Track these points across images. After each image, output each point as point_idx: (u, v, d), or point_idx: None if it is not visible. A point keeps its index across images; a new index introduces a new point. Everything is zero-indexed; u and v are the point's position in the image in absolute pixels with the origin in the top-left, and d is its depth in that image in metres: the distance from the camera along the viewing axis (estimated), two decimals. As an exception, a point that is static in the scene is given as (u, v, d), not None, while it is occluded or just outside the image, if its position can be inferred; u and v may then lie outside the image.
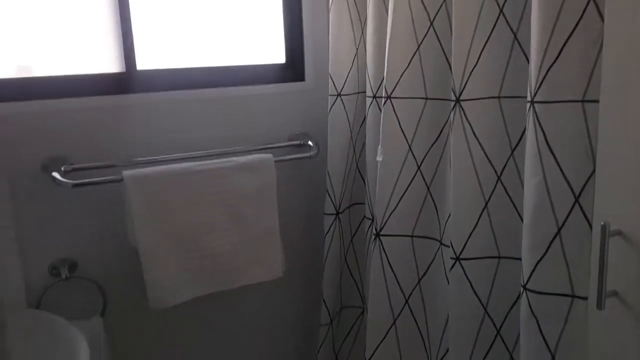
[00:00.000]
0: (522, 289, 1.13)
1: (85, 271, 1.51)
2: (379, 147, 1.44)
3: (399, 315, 1.54)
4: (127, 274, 1.51)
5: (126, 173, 1.42)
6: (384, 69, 1.42)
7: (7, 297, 1.40)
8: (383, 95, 1.41)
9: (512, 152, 1.25)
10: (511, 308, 1.32)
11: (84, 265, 1.51)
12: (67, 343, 1.26)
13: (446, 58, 1.33)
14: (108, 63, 1.51)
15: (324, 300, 1.74)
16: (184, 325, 1.68)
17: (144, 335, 1.63)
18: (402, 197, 1.45)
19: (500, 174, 1.26)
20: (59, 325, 1.34)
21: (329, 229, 1.70)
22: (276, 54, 1.76)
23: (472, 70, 1.20)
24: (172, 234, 1.48)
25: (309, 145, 1.71)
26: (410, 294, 1.53)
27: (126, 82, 1.51)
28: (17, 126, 1.38)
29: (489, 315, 1.35)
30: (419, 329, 1.54)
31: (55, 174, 1.38)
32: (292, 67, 1.75)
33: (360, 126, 1.68)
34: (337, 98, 1.64)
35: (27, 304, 1.44)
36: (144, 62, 1.53)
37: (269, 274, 1.64)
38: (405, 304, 1.53)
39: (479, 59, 1.20)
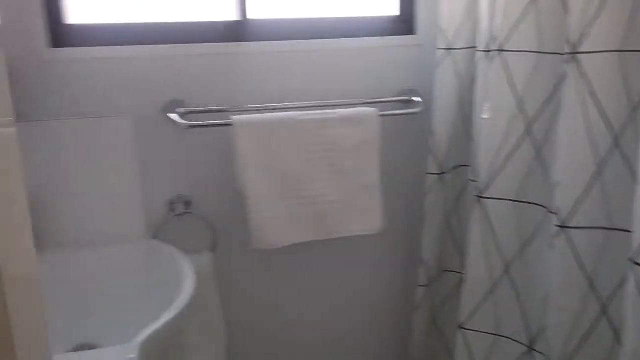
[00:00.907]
0: (630, 262, 1.03)
1: (199, 209, 1.63)
2: (486, 104, 1.37)
3: (497, 282, 1.49)
4: (236, 213, 1.60)
5: (235, 118, 1.49)
6: (496, 20, 1.33)
7: (131, 227, 1.56)
8: (494, 49, 1.33)
9: (633, 113, 1.12)
10: (620, 285, 1.21)
11: (198, 203, 1.63)
12: (178, 271, 1.38)
13: (564, 8, 1.22)
14: (223, 11, 1.58)
15: (423, 262, 1.73)
16: (285, 269, 1.76)
17: (248, 273, 1.73)
18: (508, 158, 1.37)
19: (618, 138, 1.14)
20: (172, 255, 1.46)
21: (431, 190, 1.67)
22: (389, 6, 1.72)
23: (592, 20, 1.09)
24: (275, 179, 1.54)
25: (416, 101, 1.67)
26: (512, 262, 1.46)
27: (239, 30, 1.57)
28: (144, 68, 1.51)
29: (594, 291, 1.25)
30: (518, 299, 1.47)
31: (173, 116, 1.49)
32: (404, 20, 1.70)
33: (470, 84, 1.60)
34: (446, 53, 1.57)
35: (147, 235, 1.59)
36: (255, 12, 1.58)
37: (368, 229, 1.65)
38: (505, 272, 1.47)
39: (600, 8, 1.08)
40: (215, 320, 1.63)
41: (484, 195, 1.42)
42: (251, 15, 1.58)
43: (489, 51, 1.39)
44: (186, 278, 1.32)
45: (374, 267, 1.85)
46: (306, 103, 1.59)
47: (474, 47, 1.53)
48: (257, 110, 1.56)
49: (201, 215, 1.62)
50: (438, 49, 1.58)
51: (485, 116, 1.37)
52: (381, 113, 1.59)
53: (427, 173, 1.67)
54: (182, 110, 1.51)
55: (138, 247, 1.54)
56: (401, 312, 1.90)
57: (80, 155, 1.49)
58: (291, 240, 1.59)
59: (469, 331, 1.52)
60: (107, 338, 1.33)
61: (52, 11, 1.45)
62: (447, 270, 1.79)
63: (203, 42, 1.54)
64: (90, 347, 1.36)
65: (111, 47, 1.49)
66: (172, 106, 1.52)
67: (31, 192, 1.45)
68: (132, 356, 1.01)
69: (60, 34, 1.47)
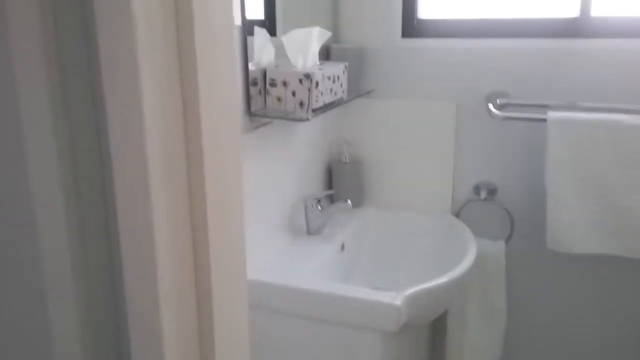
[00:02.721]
0: None
1: (502, 198, 1.69)
2: None
3: None
4: (537, 209, 1.60)
5: (551, 114, 1.48)
6: None
7: (437, 201, 1.74)
8: None
9: None
10: None
11: (501, 192, 1.69)
12: (465, 247, 1.50)
13: None
14: (561, 8, 1.56)
15: None
16: (576, 275, 1.67)
17: (537, 269, 1.71)
18: None
19: None
20: (465, 233, 1.59)
21: None
22: None
23: None
24: (584, 183, 1.47)
25: None
26: None
27: (578, 26, 1.53)
28: (478, 59, 1.63)
29: None
30: None
31: (491, 106, 1.58)
32: None
33: None
34: None
35: (451, 211, 1.74)
36: (598, 8, 1.51)
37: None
38: None
39: None
40: (497, 305, 1.68)
41: None
42: (594, 11, 1.52)
43: None
44: (467, 255, 1.43)
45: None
46: (635, 106, 1.46)
47: None
48: (577, 109, 1.51)
49: (503, 205, 1.68)
50: None
51: None
52: None
53: None
54: (501, 101, 1.59)
55: (439, 220, 1.71)
56: None
57: (409, 130, 1.73)
58: (590, 249, 1.50)
59: None
60: (399, 284, 1.55)
61: (408, 8, 1.70)
62: None
63: (537, 37, 1.57)
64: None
65: (452, 38, 1.66)
66: (494, 97, 1.61)
67: (363, 156, 1.78)
68: (397, 303, 1.19)
69: (412, 27, 1.71)
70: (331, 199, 1.72)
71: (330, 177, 1.76)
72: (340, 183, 1.74)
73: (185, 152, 0.48)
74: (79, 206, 0.48)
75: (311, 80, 1.26)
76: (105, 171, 0.47)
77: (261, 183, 1.37)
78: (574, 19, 1.54)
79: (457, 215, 1.73)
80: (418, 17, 1.70)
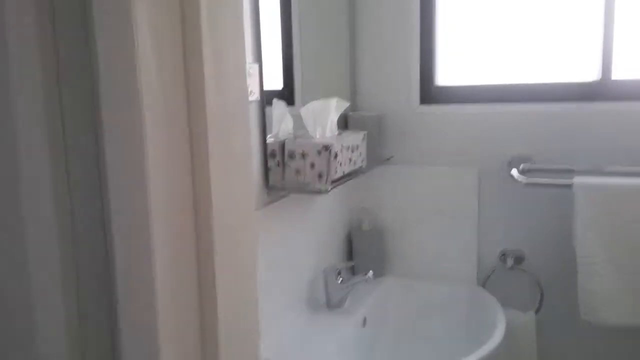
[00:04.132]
0: None
1: (530, 265, 1.62)
2: None
3: None
4: (568, 277, 1.52)
5: (577, 180, 1.44)
6: None
7: (462, 270, 1.68)
8: None
9: None
10: None
11: (530, 260, 1.62)
12: (493, 322, 1.43)
13: None
14: (581, 72, 1.54)
15: None
16: (616, 351, 1.57)
17: (571, 342, 1.61)
18: None
19: None
20: (492, 306, 1.52)
21: None
22: None
23: None
24: (615, 249, 1.41)
25: None
26: None
27: (599, 90, 1.51)
28: (497, 124, 1.61)
29: None
30: None
31: (514, 171, 1.54)
32: None
33: None
34: None
35: (477, 280, 1.68)
36: (619, 72, 1.50)
37: None
38: None
39: None
40: (530, 382, 1.58)
41: None
42: (615, 75, 1.50)
43: None
44: (496, 331, 1.36)
45: None
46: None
47: None
48: (603, 173, 1.47)
49: (531, 273, 1.61)
50: None
51: None
52: None
53: None
54: (524, 166, 1.55)
55: (464, 290, 1.64)
56: None
57: (431, 197, 1.69)
58: (626, 320, 1.42)
59: None
60: (421, 356, 1.48)
61: (425, 75, 1.70)
62: None
63: (558, 101, 1.55)
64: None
65: (470, 104, 1.65)
66: (517, 161, 1.58)
67: (384, 224, 1.74)
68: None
69: (430, 93, 1.71)
70: (352, 270, 1.67)
71: (350, 246, 1.72)
72: (361, 252, 1.69)
73: (195, 248, 0.45)
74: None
75: (330, 152, 1.25)
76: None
77: (280, 255, 1.33)
78: (595, 83, 1.52)
79: (483, 284, 1.66)
80: (436, 84, 1.70)
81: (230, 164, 0.47)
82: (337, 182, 1.30)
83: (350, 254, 1.72)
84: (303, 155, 1.27)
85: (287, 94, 1.41)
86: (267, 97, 1.23)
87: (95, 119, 0.43)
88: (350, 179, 1.39)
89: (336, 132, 1.41)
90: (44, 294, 0.44)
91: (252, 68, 1.16)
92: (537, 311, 1.61)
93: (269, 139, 1.25)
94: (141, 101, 0.41)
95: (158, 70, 0.41)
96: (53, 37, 0.42)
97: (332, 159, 1.25)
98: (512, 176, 1.55)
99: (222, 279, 0.46)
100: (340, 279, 1.48)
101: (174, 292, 0.44)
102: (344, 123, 1.64)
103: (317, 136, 1.33)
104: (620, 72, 1.50)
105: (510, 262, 1.63)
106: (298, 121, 1.34)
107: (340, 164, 1.31)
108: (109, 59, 0.41)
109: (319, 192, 1.25)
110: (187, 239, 0.45)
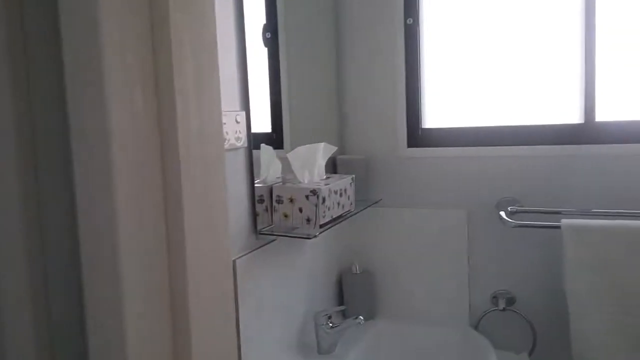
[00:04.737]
0: None
1: (521, 307, 1.61)
2: None
3: None
4: (560, 319, 1.52)
5: (565, 222, 1.45)
6: None
7: (454, 312, 1.66)
8: None
9: None
10: None
11: (521, 301, 1.62)
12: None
13: None
14: (565, 114, 1.57)
15: None
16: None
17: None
18: None
19: None
20: (485, 349, 1.50)
21: None
22: None
23: None
24: (606, 290, 1.41)
25: None
26: None
27: (583, 132, 1.54)
28: (484, 167, 1.63)
29: None
30: None
31: (502, 214, 1.55)
32: None
33: None
34: None
35: (469, 322, 1.66)
36: (603, 114, 1.53)
37: None
38: None
39: None
40: None
41: None
42: (598, 117, 1.53)
43: None
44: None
45: None
46: (650, 212, 1.43)
47: None
48: (592, 214, 1.48)
49: (523, 314, 1.60)
50: None
51: None
52: None
53: None
54: (512, 208, 1.56)
55: (456, 333, 1.62)
56: None
57: (420, 239, 1.69)
58: (620, 362, 1.40)
59: None
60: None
61: (412, 118, 1.73)
62: None
63: (543, 144, 1.57)
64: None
65: (458, 147, 1.67)
66: (505, 203, 1.59)
67: (374, 266, 1.73)
68: None
69: (417, 136, 1.73)
70: (343, 314, 1.65)
71: (341, 289, 1.71)
72: (352, 295, 1.68)
73: (169, 296, 0.45)
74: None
75: (317, 197, 1.25)
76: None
77: (269, 301, 1.32)
78: (579, 125, 1.55)
79: (475, 326, 1.65)
80: (423, 126, 1.73)
81: (205, 213, 0.47)
82: (325, 226, 1.30)
83: (341, 297, 1.70)
84: (291, 200, 1.28)
85: (275, 137, 1.42)
86: (256, 140, 1.25)
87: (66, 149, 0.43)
88: (339, 223, 1.39)
89: (324, 176, 1.42)
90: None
91: (239, 115, 1.17)
92: (530, 353, 1.59)
93: (257, 184, 1.26)
94: (114, 141, 0.41)
95: (132, 117, 0.42)
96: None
97: (320, 203, 1.26)
98: (500, 218, 1.55)
99: (198, 331, 0.46)
100: (331, 324, 1.46)
101: (147, 342, 0.43)
102: (333, 166, 1.65)
103: (305, 181, 1.34)
104: (604, 114, 1.53)
105: (502, 303, 1.62)
106: (287, 164, 1.35)
107: (329, 208, 1.31)
108: (79, 103, 0.41)
109: (307, 237, 1.24)
110: (160, 282, 0.45)
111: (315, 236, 1.24)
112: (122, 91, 0.41)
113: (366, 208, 1.61)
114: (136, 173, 0.41)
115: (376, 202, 1.69)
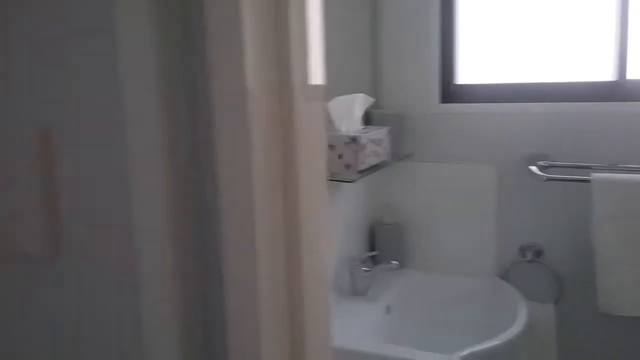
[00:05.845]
0: None
1: (549, 259, 1.67)
2: None
3: None
4: (586, 270, 1.57)
5: (595, 175, 1.49)
6: None
7: (482, 263, 1.72)
8: None
9: None
10: None
11: (548, 254, 1.67)
12: (514, 311, 1.47)
13: None
14: (597, 71, 1.59)
15: None
16: (634, 341, 1.60)
17: (590, 332, 1.65)
18: None
19: None
20: (512, 296, 1.56)
21: None
22: None
23: None
24: (632, 242, 1.45)
25: None
26: None
27: (614, 90, 1.56)
28: (516, 123, 1.66)
29: None
30: None
31: (533, 168, 1.59)
32: None
33: None
34: None
35: (496, 274, 1.72)
36: (634, 72, 1.54)
37: None
38: None
39: None
40: (549, 372, 1.62)
41: None
42: (630, 75, 1.55)
43: None
44: (517, 319, 1.40)
45: None
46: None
47: None
48: (621, 170, 1.51)
49: (550, 266, 1.65)
50: None
51: None
52: None
53: None
54: (543, 163, 1.60)
55: (485, 282, 1.69)
56: None
57: (450, 193, 1.75)
58: (643, 311, 1.45)
59: None
60: (447, 349, 1.52)
61: (446, 74, 1.76)
62: None
63: (575, 101, 1.60)
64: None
65: (490, 103, 1.71)
66: (534, 159, 1.63)
67: (405, 218, 1.79)
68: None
69: (449, 92, 1.77)
70: (374, 260, 1.72)
71: (372, 239, 1.77)
72: (383, 244, 1.74)
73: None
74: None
75: (358, 144, 1.31)
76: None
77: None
78: (611, 83, 1.57)
79: (503, 277, 1.70)
80: (455, 82, 1.76)
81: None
82: (363, 172, 1.36)
83: (372, 247, 1.77)
84: (331, 147, 1.33)
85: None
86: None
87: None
88: (375, 172, 1.45)
89: (360, 127, 1.47)
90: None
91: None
92: (556, 303, 1.65)
93: (299, 131, 1.31)
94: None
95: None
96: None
97: (359, 150, 1.31)
98: (530, 172, 1.59)
99: (307, 259, 0.48)
100: (365, 268, 1.53)
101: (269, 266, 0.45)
102: (367, 120, 1.70)
103: (343, 130, 1.39)
104: (636, 73, 1.55)
105: (529, 255, 1.68)
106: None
107: (367, 156, 1.36)
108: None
109: (348, 181, 1.30)
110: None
111: (355, 180, 1.30)
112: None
113: (399, 161, 1.66)
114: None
115: (408, 156, 1.74)
